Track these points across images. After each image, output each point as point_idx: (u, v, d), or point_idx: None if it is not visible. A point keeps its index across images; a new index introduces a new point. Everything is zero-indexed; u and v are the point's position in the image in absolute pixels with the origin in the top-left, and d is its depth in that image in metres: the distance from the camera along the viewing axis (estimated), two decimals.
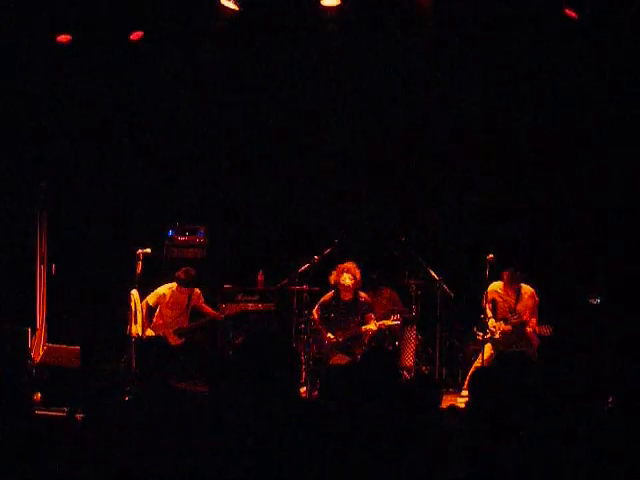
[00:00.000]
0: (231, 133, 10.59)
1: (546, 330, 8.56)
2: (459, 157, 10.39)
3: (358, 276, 8.95)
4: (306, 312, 9.29)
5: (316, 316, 9.13)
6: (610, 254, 9.50)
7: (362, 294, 9.12)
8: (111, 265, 10.18)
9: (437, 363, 9.28)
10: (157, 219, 10.30)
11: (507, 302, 8.84)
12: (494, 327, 8.73)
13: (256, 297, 9.87)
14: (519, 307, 8.76)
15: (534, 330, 8.63)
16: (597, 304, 9.01)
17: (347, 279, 8.90)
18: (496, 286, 8.90)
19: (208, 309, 9.51)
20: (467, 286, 9.98)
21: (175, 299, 9.30)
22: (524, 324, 8.66)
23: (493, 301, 8.85)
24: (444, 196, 10.53)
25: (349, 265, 8.94)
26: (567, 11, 8.75)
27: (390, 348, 9.00)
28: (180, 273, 9.28)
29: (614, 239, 9.57)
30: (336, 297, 9.07)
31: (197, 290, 9.42)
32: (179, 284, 9.26)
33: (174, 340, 9.24)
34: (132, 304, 8.95)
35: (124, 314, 9.01)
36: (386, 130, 10.47)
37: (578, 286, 9.60)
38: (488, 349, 8.66)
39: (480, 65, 9.91)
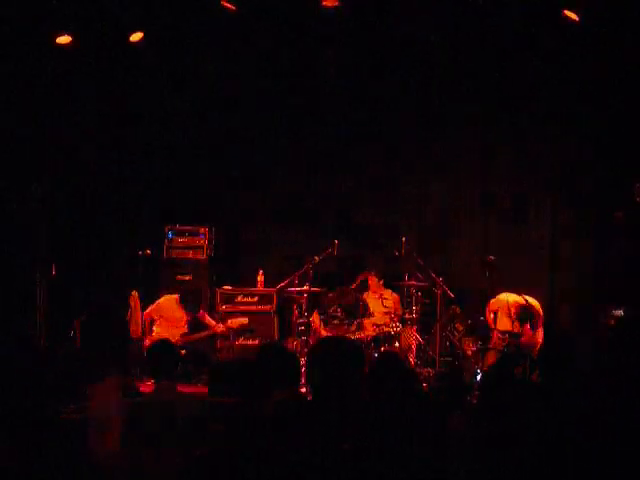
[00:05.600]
0: (231, 133, 10.58)
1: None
2: (460, 157, 10.41)
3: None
4: (306, 313, 9.30)
5: (317, 320, 9.16)
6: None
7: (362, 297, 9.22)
8: (111, 265, 10.19)
9: (437, 364, 9.28)
10: (157, 220, 10.30)
11: (512, 317, 8.80)
12: (498, 338, 8.70)
13: (256, 298, 9.88)
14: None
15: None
16: (620, 316, 8.75)
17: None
18: (504, 299, 8.84)
19: (208, 319, 9.36)
20: (467, 286, 10.04)
21: (174, 311, 9.14)
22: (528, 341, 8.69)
23: (496, 312, 8.85)
24: (443, 197, 10.54)
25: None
26: (566, 13, 8.75)
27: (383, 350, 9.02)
28: (188, 300, 9.14)
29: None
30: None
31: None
32: (186, 310, 9.15)
33: None
34: (132, 304, 8.95)
35: (124, 315, 9.04)
36: (386, 130, 10.48)
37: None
38: (491, 357, 8.66)
39: (479, 65, 9.93)
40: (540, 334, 8.71)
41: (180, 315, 9.14)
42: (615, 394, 4.41)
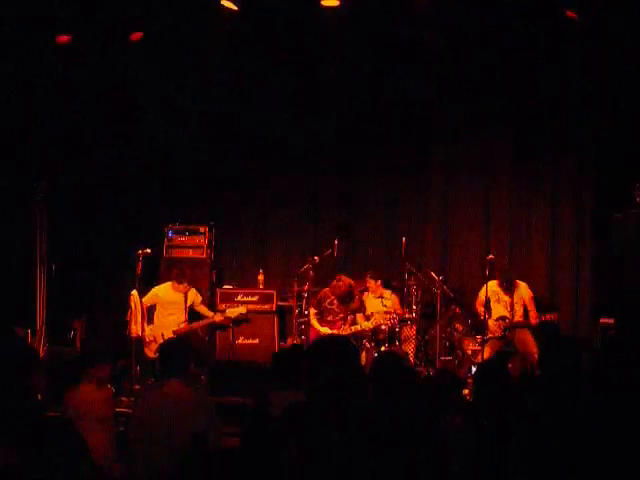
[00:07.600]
0: (231, 133, 10.58)
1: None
2: (460, 156, 10.41)
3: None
4: (306, 312, 9.31)
5: (311, 315, 9.20)
6: None
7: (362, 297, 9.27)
8: (111, 265, 10.20)
9: (437, 363, 9.28)
10: (157, 219, 10.30)
11: (503, 300, 8.90)
12: (494, 326, 8.80)
13: (256, 298, 9.89)
14: (515, 302, 8.85)
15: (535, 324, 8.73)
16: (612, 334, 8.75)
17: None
18: (491, 285, 8.96)
19: (206, 311, 9.45)
20: (466, 286, 10.05)
21: (171, 298, 9.22)
22: (523, 322, 8.77)
23: (489, 300, 8.93)
24: (444, 197, 10.54)
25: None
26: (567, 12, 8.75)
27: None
28: (173, 270, 9.29)
29: None
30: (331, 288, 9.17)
31: (193, 289, 9.34)
32: (174, 280, 9.23)
33: None
34: (132, 304, 8.96)
35: (124, 315, 9.04)
36: (386, 130, 10.47)
37: None
38: (488, 349, 8.69)
39: (479, 64, 9.93)
40: (533, 313, 8.85)
41: (178, 301, 9.18)
42: (615, 394, 4.41)
